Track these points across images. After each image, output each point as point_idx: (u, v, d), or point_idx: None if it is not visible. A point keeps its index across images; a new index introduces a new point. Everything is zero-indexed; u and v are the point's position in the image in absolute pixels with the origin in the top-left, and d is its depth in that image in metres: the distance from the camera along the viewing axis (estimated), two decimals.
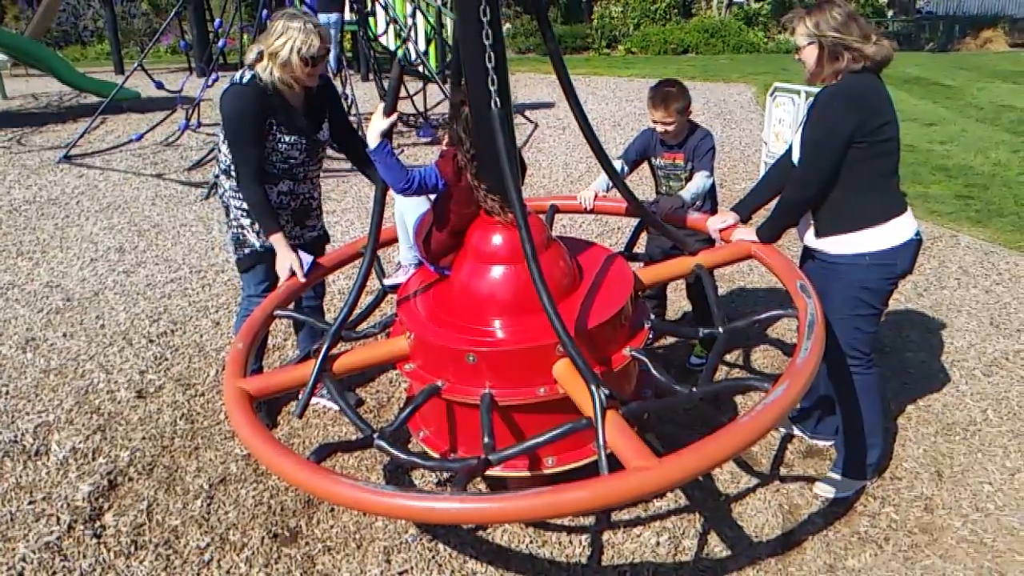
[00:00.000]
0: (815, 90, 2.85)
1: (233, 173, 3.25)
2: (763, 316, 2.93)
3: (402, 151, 8.80)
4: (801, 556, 2.80)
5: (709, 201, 3.83)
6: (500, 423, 2.64)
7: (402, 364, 2.85)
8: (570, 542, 2.89)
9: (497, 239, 2.72)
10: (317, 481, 2.13)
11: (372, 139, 2.63)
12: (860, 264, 2.81)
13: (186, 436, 3.56)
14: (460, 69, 2.70)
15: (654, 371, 2.61)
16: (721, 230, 3.23)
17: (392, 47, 12.96)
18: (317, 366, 2.72)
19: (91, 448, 3.44)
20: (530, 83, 14.01)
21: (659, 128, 3.65)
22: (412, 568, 2.77)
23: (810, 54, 2.77)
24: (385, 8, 10.60)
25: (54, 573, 2.75)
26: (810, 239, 2.96)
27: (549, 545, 2.87)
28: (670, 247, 3.67)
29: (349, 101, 9.00)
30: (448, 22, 11.84)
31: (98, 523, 3.00)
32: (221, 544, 2.89)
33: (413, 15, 11.60)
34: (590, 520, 2.98)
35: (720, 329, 2.80)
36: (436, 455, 2.87)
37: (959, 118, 10.51)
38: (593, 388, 2.27)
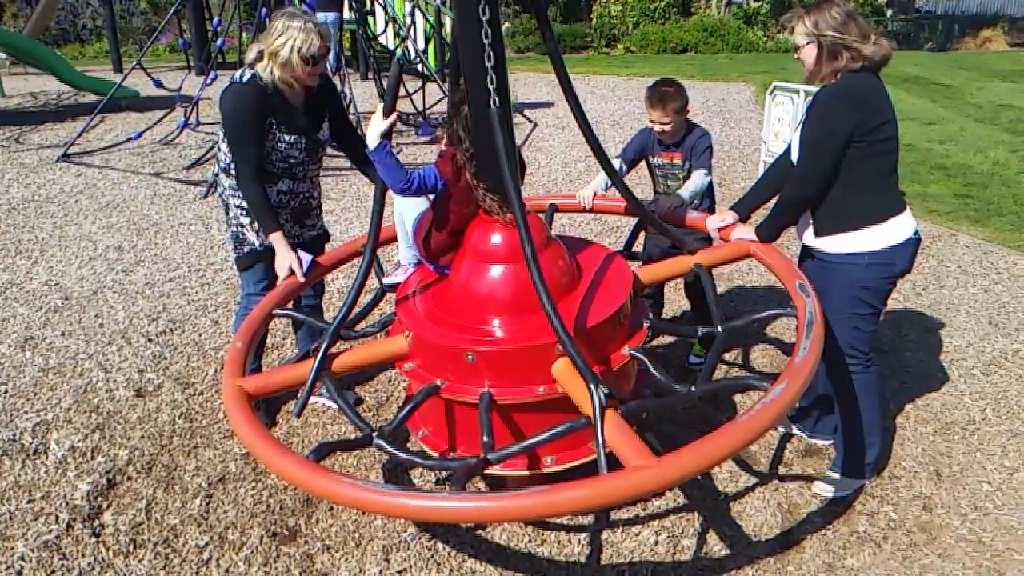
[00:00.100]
0: (814, 89, 2.85)
1: (233, 172, 3.25)
2: (762, 315, 2.93)
3: (400, 150, 8.80)
4: (800, 555, 2.80)
5: (708, 200, 3.84)
6: (499, 422, 2.64)
7: (401, 363, 2.85)
8: (569, 541, 2.89)
9: (496, 238, 2.72)
10: (316, 480, 2.13)
11: (372, 140, 2.63)
12: (859, 263, 2.81)
13: (185, 435, 3.56)
14: (459, 68, 2.70)
15: (653, 370, 2.61)
16: (720, 229, 3.23)
17: (391, 46, 12.96)
18: (316, 365, 2.72)
19: (90, 447, 3.44)
20: (529, 82, 14.01)
21: (657, 128, 3.65)
22: (411, 567, 2.77)
23: (809, 53, 2.77)
24: (384, 8, 10.59)
25: (53, 572, 2.75)
26: (809, 238, 2.96)
27: (548, 544, 2.88)
28: (669, 246, 3.67)
29: (348, 100, 8.99)
30: (447, 21, 11.84)
31: (97, 522, 3.00)
32: (220, 543, 2.89)
33: (412, 14, 11.60)
34: (589, 519, 2.98)
35: (719, 328, 2.80)
36: (435, 454, 2.87)
37: (958, 117, 10.52)
38: (592, 387, 2.27)
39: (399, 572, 2.75)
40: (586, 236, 5.70)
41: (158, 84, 8.92)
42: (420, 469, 3.23)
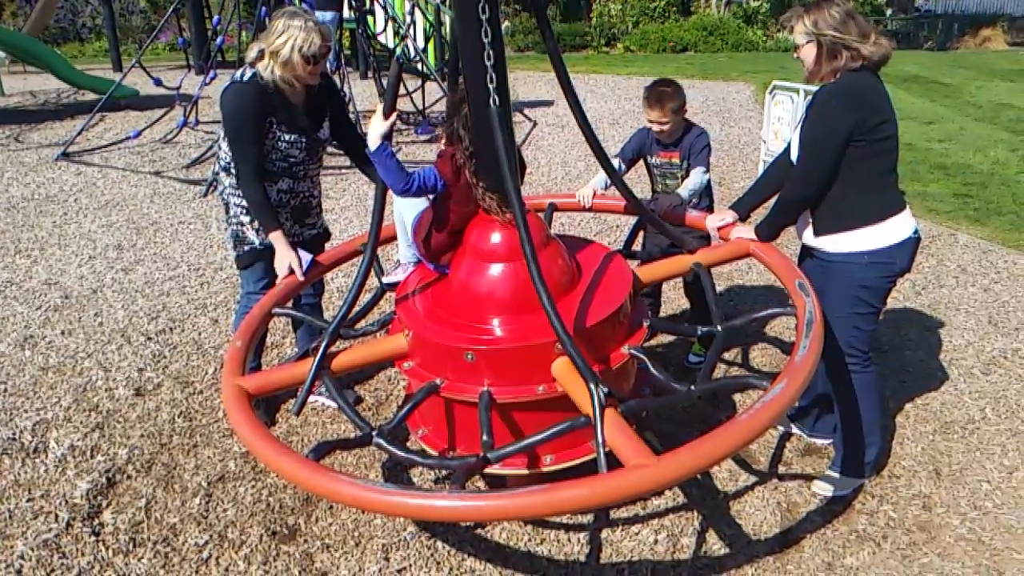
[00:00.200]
0: (814, 88, 2.85)
1: (233, 170, 3.25)
2: (761, 314, 2.93)
3: (399, 149, 8.80)
4: (799, 554, 2.80)
5: (706, 198, 3.84)
6: (499, 421, 2.65)
7: (401, 362, 2.85)
8: (568, 540, 2.89)
9: (496, 237, 2.72)
10: (316, 479, 2.13)
11: (373, 141, 2.62)
12: (858, 262, 2.81)
13: (184, 434, 3.56)
14: (457, 67, 2.70)
15: (652, 369, 2.61)
16: (720, 228, 3.23)
17: (391, 45, 12.95)
18: (315, 364, 2.73)
19: (89, 446, 3.44)
20: (529, 81, 14.00)
21: (655, 128, 3.66)
22: (411, 566, 2.77)
23: (809, 52, 2.77)
24: (384, 7, 10.58)
25: (52, 571, 2.75)
26: (808, 237, 2.96)
27: (547, 543, 2.88)
28: (668, 245, 3.67)
29: (347, 99, 8.99)
30: (446, 19, 11.83)
31: (96, 521, 3.00)
32: (220, 542, 2.89)
33: (411, 12, 11.59)
34: (588, 518, 2.98)
35: (718, 327, 2.80)
36: (435, 453, 2.88)
37: (958, 116, 10.52)
38: (592, 386, 2.27)
39: (399, 571, 2.76)
40: (586, 235, 5.70)
41: (157, 83, 8.92)
42: (420, 468, 3.23)
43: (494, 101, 2.42)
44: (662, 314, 4.59)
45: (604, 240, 5.77)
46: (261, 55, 3.11)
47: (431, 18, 12.00)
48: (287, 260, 3.19)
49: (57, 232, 6.32)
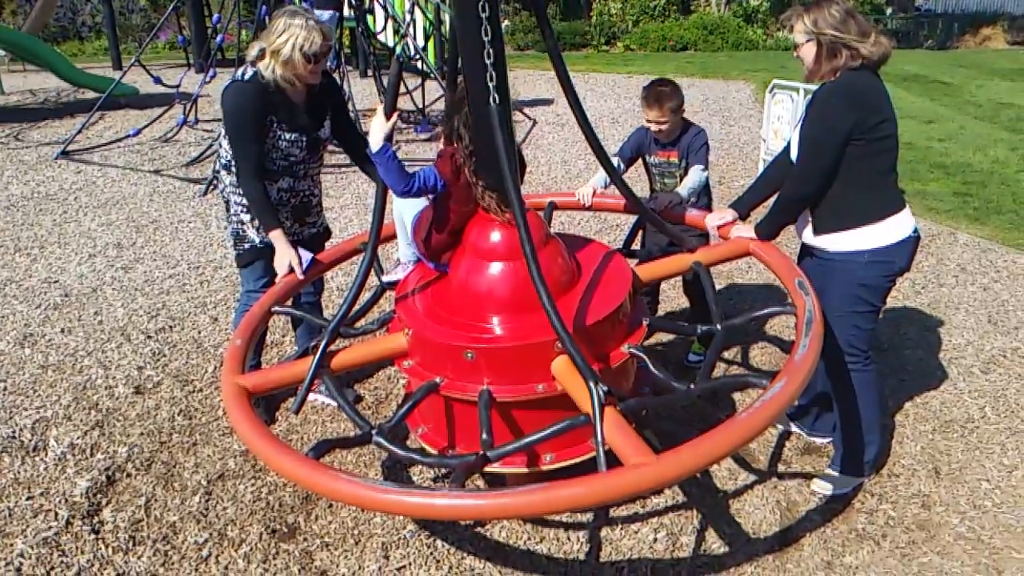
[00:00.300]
0: (814, 87, 2.85)
1: (233, 169, 3.25)
2: (761, 313, 2.94)
3: (398, 147, 8.79)
4: (799, 553, 2.81)
5: (705, 197, 3.84)
6: (498, 420, 2.65)
7: (400, 360, 2.85)
8: (568, 538, 2.89)
9: (495, 236, 2.72)
10: (316, 477, 2.13)
11: (375, 142, 2.62)
12: (858, 261, 2.82)
13: (184, 432, 3.56)
14: (456, 65, 2.70)
15: (652, 368, 2.61)
16: (720, 227, 3.23)
17: (390, 43, 12.94)
18: (315, 362, 2.73)
19: (89, 444, 3.44)
20: (529, 80, 14.00)
21: (653, 127, 3.66)
22: (410, 564, 2.78)
23: (808, 51, 2.77)
24: (384, 6, 10.58)
25: (52, 569, 2.75)
26: (808, 236, 2.96)
27: (547, 541, 2.88)
28: (667, 243, 3.68)
29: (347, 97, 8.99)
30: (446, 18, 11.82)
31: (96, 519, 3.00)
32: (219, 540, 2.90)
33: (411, 11, 11.58)
34: (588, 516, 2.98)
35: (718, 326, 2.80)
36: (434, 451, 2.88)
37: (957, 116, 10.52)
38: (591, 385, 2.27)
39: (398, 569, 2.76)
40: (585, 234, 5.70)
41: (157, 81, 8.91)
42: (419, 466, 3.23)
43: (494, 99, 2.42)
44: (661, 313, 4.60)
45: (604, 239, 5.77)
46: (262, 54, 3.11)
47: (431, 16, 11.99)
48: (287, 258, 3.19)
49: (57, 230, 6.32)
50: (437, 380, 2.65)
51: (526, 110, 10.80)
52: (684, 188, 3.57)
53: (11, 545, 2.84)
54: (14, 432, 3.51)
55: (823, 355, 2.58)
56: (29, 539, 2.87)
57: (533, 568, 2.77)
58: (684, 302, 4.47)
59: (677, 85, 3.65)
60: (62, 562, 2.78)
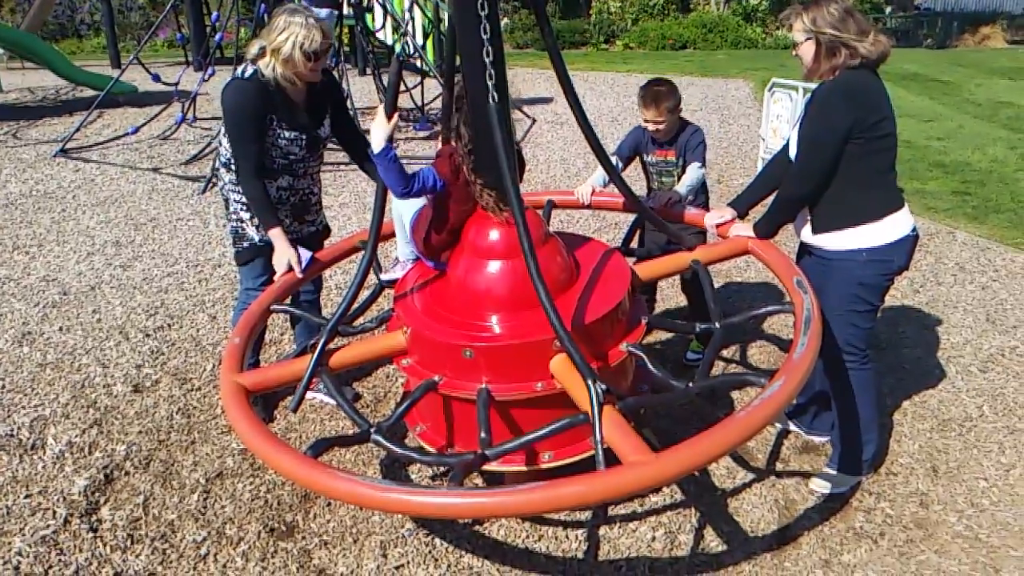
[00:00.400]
0: (813, 86, 2.85)
1: (233, 167, 3.25)
2: (760, 311, 2.94)
3: (397, 145, 8.78)
4: (797, 551, 2.81)
5: (702, 195, 3.85)
6: (497, 418, 2.65)
7: (399, 359, 2.85)
8: (566, 537, 2.89)
9: (494, 234, 2.72)
10: (314, 476, 2.13)
11: (377, 143, 2.61)
12: (857, 260, 2.82)
13: (182, 430, 3.56)
14: (453, 64, 2.70)
15: (651, 366, 2.61)
16: (718, 225, 3.23)
17: (389, 41, 12.93)
18: (313, 361, 2.73)
19: (87, 442, 3.44)
20: (528, 78, 13.99)
21: (651, 127, 3.66)
22: (409, 562, 2.78)
23: (807, 50, 2.77)
24: (383, 5, 10.57)
25: (50, 567, 2.75)
26: (807, 235, 2.96)
27: (545, 540, 2.88)
28: (666, 242, 3.68)
29: (345, 96, 8.99)
30: (446, 16, 11.80)
31: (94, 517, 3.00)
32: (217, 538, 2.90)
33: (411, 10, 11.57)
34: (586, 515, 2.98)
35: (717, 324, 2.80)
36: (433, 450, 2.88)
37: (956, 114, 10.52)
38: (590, 383, 2.27)
39: (397, 568, 2.76)
40: (584, 232, 5.70)
41: (156, 79, 8.90)
42: (418, 465, 3.23)
43: (493, 98, 2.42)
44: (660, 311, 4.60)
45: (603, 237, 5.76)
46: (262, 52, 3.10)
47: (430, 15, 11.99)
48: (286, 257, 3.18)
49: (55, 228, 6.31)
50: (436, 378, 2.65)
51: (525, 108, 10.79)
52: (683, 186, 3.57)
53: (9, 544, 2.84)
54: (12, 430, 3.51)
55: (821, 354, 2.58)
56: (27, 537, 2.87)
57: (531, 566, 2.77)
58: (682, 300, 4.47)
59: (674, 85, 3.65)
60: (60, 560, 2.77)
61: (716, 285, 4.83)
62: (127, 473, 3.25)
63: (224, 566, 2.77)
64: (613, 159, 3.73)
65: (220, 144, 3.34)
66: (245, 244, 3.42)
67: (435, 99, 10.51)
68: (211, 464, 3.32)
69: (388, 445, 2.38)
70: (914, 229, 2.86)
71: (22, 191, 7.32)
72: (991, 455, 3.30)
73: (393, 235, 3.32)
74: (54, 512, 3.00)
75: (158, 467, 3.30)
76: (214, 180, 7.21)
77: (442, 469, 3.19)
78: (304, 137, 3.27)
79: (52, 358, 4.19)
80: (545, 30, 2.65)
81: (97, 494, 3.12)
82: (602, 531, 2.91)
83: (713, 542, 2.87)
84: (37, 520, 2.96)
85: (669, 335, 4.33)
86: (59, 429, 3.54)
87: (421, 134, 9.45)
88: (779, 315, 4.33)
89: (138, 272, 5.37)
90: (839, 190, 2.79)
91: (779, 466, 3.29)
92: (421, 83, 10.27)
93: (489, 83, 2.40)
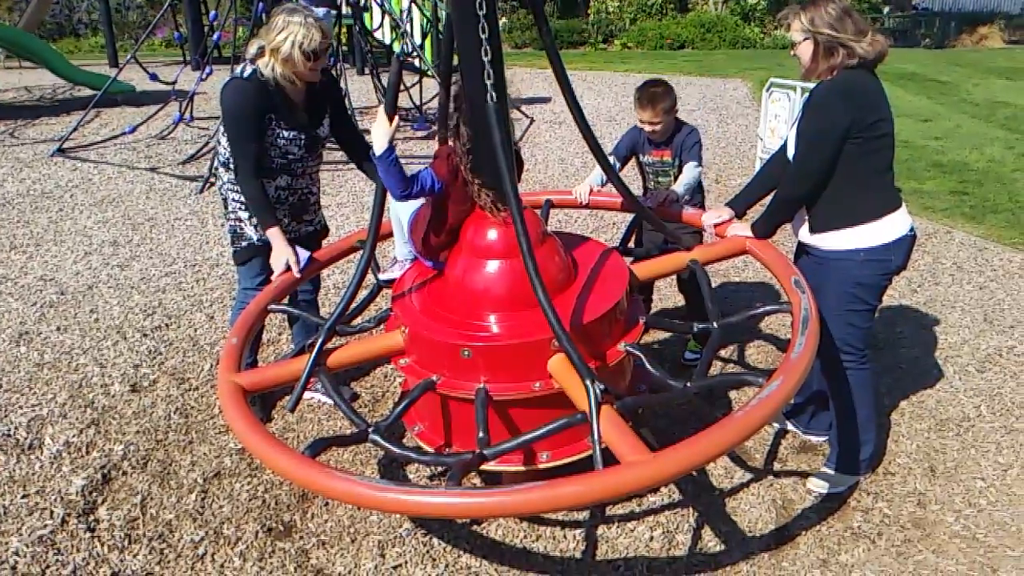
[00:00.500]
0: (810, 86, 2.86)
1: (232, 166, 3.25)
2: (757, 311, 2.94)
3: (395, 145, 8.77)
4: (794, 551, 2.81)
5: (698, 195, 3.86)
6: (495, 418, 2.65)
7: (397, 359, 2.85)
8: (564, 536, 2.89)
9: (492, 234, 2.72)
10: (312, 476, 2.13)
11: (379, 146, 2.60)
12: (854, 260, 2.82)
13: (180, 430, 3.55)
14: (450, 63, 2.70)
15: (649, 366, 2.61)
16: (716, 225, 3.23)
17: (387, 41, 12.93)
18: (311, 360, 2.72)
19: (85, 442, 3.44)
20: (526, 78, 13.99)
21: (647, 128, 3.67)
22: (406, 562, 2.78)
23: (805, 50, 2.78)
24: (381, 5, 10.56)
25: (47, 567, 2.75)
26: (804, 235, 2.96)
27: (543, 539, 2.88)
28: (663, 241, 3.68)
29: (343, 94, 8.98)
30: (444, 16, 11.79)
31: (92, 517, 3.00)
32: (215, 538, 2.89)
33: (409, 9, 11.58)
34: (584, 515, 2.98)
35: (714, 324, 2.80)
36: (431, 450, 2.88)
37: (954, 114, 10.53)
38: (588, 383, 2.27)
39: (394, 567, 2.76)
40: (582, 232, 5.70)
41: (153, 78, 8.88)
42: (416, 465, 3.23)
43: (491, 97, 2.41)
44: (658, 311, 4.60)
45: (601, 237, 5.76)
46: (261, 52, 3.10)
47: (428, 14, 11.99)
48: (284, 256, 3.18)
49: (53, 228, 6.30)
50: (434, 378, 2.65)
51: (523, 108, 10.79)
52: (680, 185, 3.58)
53: (6, 543, 2.83)
54: (9, 430, 3.51)
55: (819, 353, 2.58)
56: (24, 537, 2.86)
57: (529, 566, 2.77)
58: (680, 300, 4.47)
59: (670, 86, 3.66)
60: (57, 560, 2.77)
61: (714, 285, 4.84)
62: (125, 473, 3.25)
63: (222, 566, 2.76)
64: (610, 159, 3.73)
65: (219, 143, 3.34)
66: (243, 244, 3.42)
67: (432, 99, 10.51)
68: (209, 464, 3.31)
69: (386, 445, 2.38)
70: (912, 229, 2.86)
71: (19, 190, 7.31)
72: (988, 455, 3.30)
73: (391, 235, 3.32)
74: (51, 512, 3.00)
75: (156, 467, 3.29)
76: (212, 180, 7.21)
77: (440, 469, 3.18)
78: (303, 137, 3.27)
79: (49, 358, 4.18)
80: (543, 30, 2.65)
81: (95, 494, 3.12)
82: (600, 531, 2.91)
83: (711, 542, 2.87)
84: (34, 520, 2.96)
85: (667, 335, 4.34)
86: (56, 429, 3.53)
87: (419, 134, 9.45)
88: (777, 315, 4.33)
89: (136, 272, 5.36)
90: (837, 190, 2.79)
91: (777, 466, 3.29)
92: (419, 82, 10.27)
93: (487, 82, 2.40)
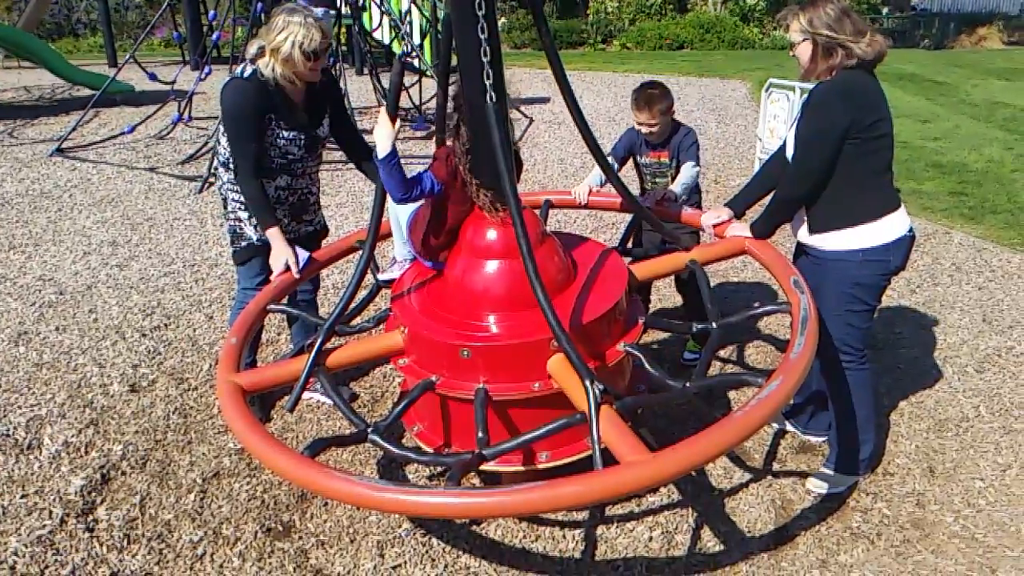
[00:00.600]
0: (810, 86, 2.86)
1: (232, 166, 3.25)
2: (756, 311, 2.94)
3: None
4: (793, 551, 2.81)
5: (695, 195, 3.86)
6: (494, 418, 2.65)
7: (396, 359, 2.85)
8: (563, 537, 2.89)
9: (491, 234, 2.72)
10: (311, 476, 2.13)
11: (382, 148, 2.59)
12: (853, 260, 2.82)
13: (179, 430, 3.55)
14: (448, 63, 2.69)
15: (648, 366, 2.61)
16: (715, 225, 3.24)
17: (386, 41, 12.93)
18: (310, 360, 2.72)
19: (84, 442, 3.43)
20: (525, 78, 13.99)
21: (644, 129, 3.68)
22: (406, 562, 2.77)
23: (804, 51, 2.78)
24: (379, 4, 10.56)
25: (46, 567, 2.74)
26: (803, 235, 2.96)
27: (542, 540, 2.88)
28: (660, 241, 3.69)
29: (343, 94, 8.98)
30: (443, 16, 11.79)
31: (91, 517, 2.99)
32: (214, 538, 2.89)
33: (408, 10, 11.58)
34: (583, 515, 2.98)
35: (714, 324, 2.81)
36: (430, 450, 2.88)
37: (953, 115, 10.54)
38: (587, 383, 2.27)
39: (394, 568, 2.76)
40: (582, 232, 5.70)
41: (152, 77, 8.87)
42: (415, 465, 3.23)
43: (491, 97, 2.41)
44: (657, 311, 4.60)
45: (600, 237, 5.76)
46: (261, 52, 3.10)
47: (427, 14, 11.99)
48: (283, 256, 3.18)
49: (51, 228, 6.30)
50: (433, 378, 2.65)
51: (523, 108, 10.79)
52: (678, 185, 3.58)
53: (5, 543, 2.83)
54: (8, 430, 3.50)
55: (818, 354, 2.59)
56: (23, 537, 2.86)
57: (528, 566, 2.77)
58: (679, 300, 4.48)
59: (666, 87, 3.66)
60: (56, 560, 2.77)
61: (712, 285, 4.84)
62: (124, 473, 3.25)
63: (221, 566, 2.76)
64: (609, 159, 3.73)
65: (219, 143, 3.34)
66: (243, 243, 3.42)
67: (431, 99, 10.51)
68: (208, 464, 3.31)
69: (385, 445, 2.38)
70: (911, 229, 2.86)
71: (18, 190, 7.30)
72: (987, 455, 3.30)
73: (391, 235, 3.32)
74: (50, 512, 2.99)
75: (155, 467, 3.29)
76: (211, 180, 7.21)
77: (439, 469, 3.18)
78: (303, 137, 3.26)
79: (48, 358, 4.18)
80: (542, 30, 2.65)
81: (93, 494, 3.11)
82: (599, 531, 2.92)
83: (710, 542, 2.87)
84: (33, 520, 2.95)
85: (666, 335, 4.34)
86: (55, 429, 3.53)
87: (418, 134, 9.45)
88: (776, 315, 4.33)
89: (135, 272, 5.36)
90: (836, 190, 2.79)
91: (776, 466, 3.29)
92: (419, 82, 10.27)
93: (487, 83, 2.40)
